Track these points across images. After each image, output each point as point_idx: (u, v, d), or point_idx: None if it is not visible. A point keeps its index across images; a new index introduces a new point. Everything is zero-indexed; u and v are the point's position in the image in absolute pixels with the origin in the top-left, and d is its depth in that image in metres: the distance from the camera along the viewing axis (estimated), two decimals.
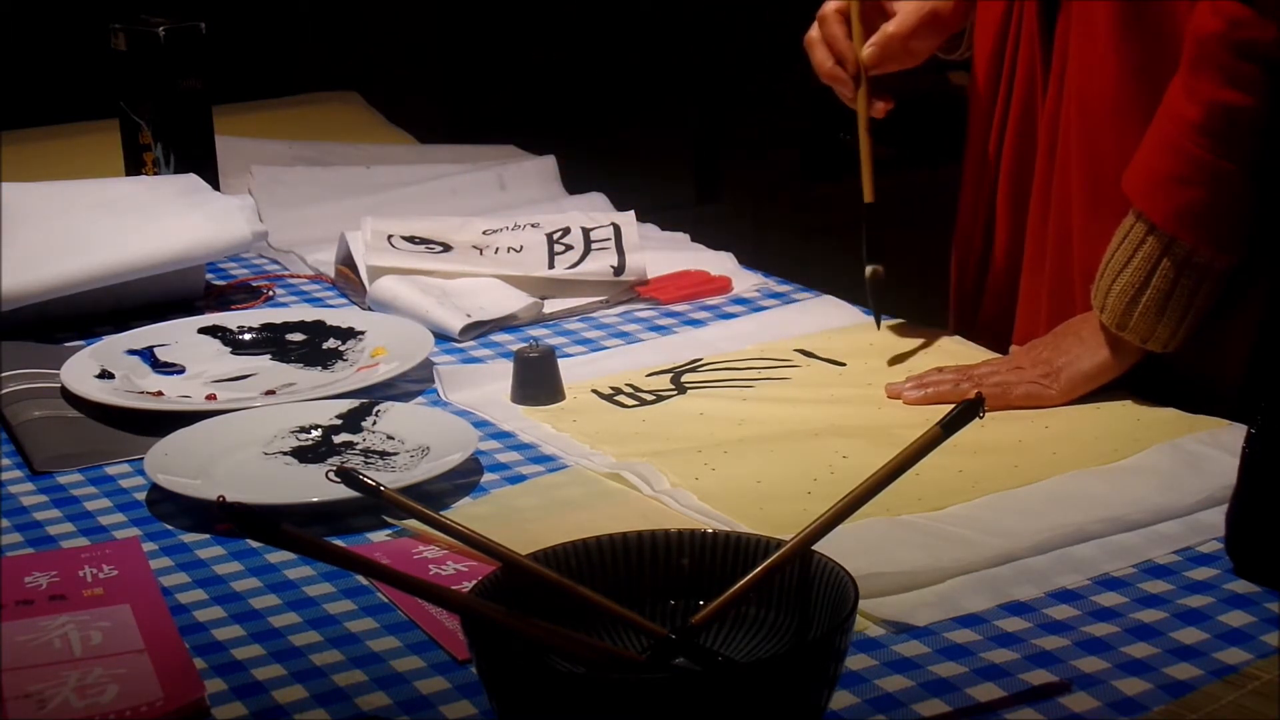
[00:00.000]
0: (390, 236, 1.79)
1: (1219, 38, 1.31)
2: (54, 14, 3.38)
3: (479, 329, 1.68)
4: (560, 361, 1.51)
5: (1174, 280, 1.37)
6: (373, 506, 1.25)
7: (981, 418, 1.01)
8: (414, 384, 1.54)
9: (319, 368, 1.59)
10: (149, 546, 1.24)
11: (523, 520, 1.25)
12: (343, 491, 1.12)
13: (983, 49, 1.59)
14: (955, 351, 1.56)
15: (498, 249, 1.80)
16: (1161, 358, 1.41)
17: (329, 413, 1.43)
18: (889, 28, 1.57)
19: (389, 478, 1.29)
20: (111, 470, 1.38)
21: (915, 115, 1.55)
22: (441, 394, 1.51)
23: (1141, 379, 1.43)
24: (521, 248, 1.80)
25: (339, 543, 1.02)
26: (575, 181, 2.16)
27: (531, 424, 1.44)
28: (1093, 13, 1.45)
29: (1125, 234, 1.39)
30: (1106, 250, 1.41)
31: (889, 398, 1.46)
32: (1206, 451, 1.29)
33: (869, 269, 1.56)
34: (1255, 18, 1.29)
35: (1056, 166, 1.51)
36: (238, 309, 1.77)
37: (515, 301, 1.71)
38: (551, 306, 1.74)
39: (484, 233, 1.83)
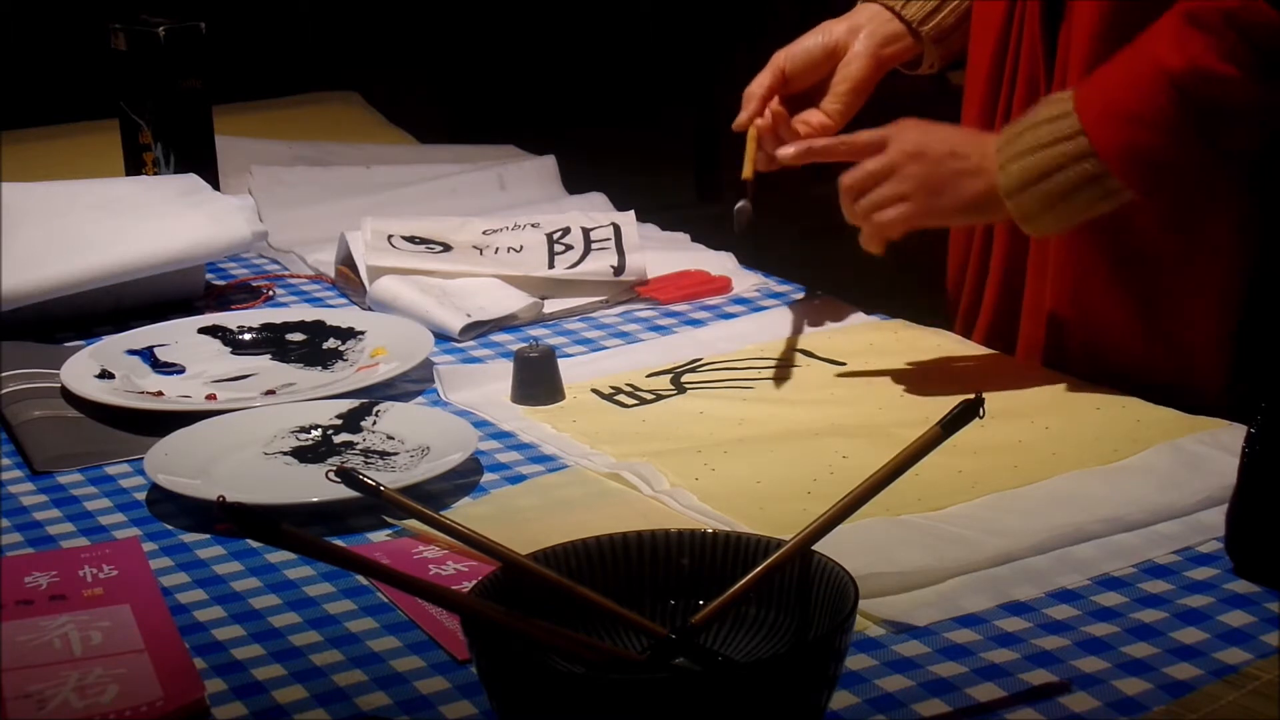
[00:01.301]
0: (390, 236, 1.79)
1: (1227, 10, 1.30)
2: (54, 14, 3.38)
3: (479, 329, 1.68)
4: (560, 361, 1.51)
5: (1077, 186, 1.38)
6: (373, 506, 1.25)
7: (981, 417, 1.01)
8: (414, 384, 1.54)
9: (319, 368, 1.59)
10: (149, 546, 1.24)
11: (523, 520, 1.25)
12: (343, 491, 1.12)
13: (981, 52, 1.58)
14: (955, 350, 1.55)
15: (498, 249, 1.80)
16: (1150, 369, 1.42)
17: (329, 413, 1.43)
18: (820, 120, 1.61)
19: (389, 478, 1.29)
20: (111, 470, 1.38)
21: (916, 115, 1.56)
22: (441, 394, 1.51)
23: (1142, 379, 1.43)
24: (521, 248, 1.80)
25: (339, 543, 1.02)
26: (575, 181, 2.16)
27: (531, 424, 1.44)
28: (1096, 17, 1.44)
29: (1056, 116, 1.39)
30: (1032, 110, 1.41)
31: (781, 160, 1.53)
32: (1206, 451, 1.29)
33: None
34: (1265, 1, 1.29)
35: None
36: (238, 309, 1.77)
37: (515, 301, 1.71)
38: (551, 306, 1.74)
39: (484, 233, 1.83)
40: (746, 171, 1.62)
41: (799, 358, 1.57)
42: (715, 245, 1.92)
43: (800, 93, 1.64)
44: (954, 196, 1.43)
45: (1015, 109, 1.55)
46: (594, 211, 1.92)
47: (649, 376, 1.53)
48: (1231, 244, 1.45)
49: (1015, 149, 1.40)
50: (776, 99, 1.62)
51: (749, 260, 1.87)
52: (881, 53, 1.63)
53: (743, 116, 1.63)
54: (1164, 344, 1.48)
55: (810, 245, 3.65)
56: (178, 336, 1.64)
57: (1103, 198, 1.38)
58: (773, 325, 1.67)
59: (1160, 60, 1.34)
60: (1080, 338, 1.52)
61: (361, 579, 1.17)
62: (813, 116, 1.63)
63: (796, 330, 1.64)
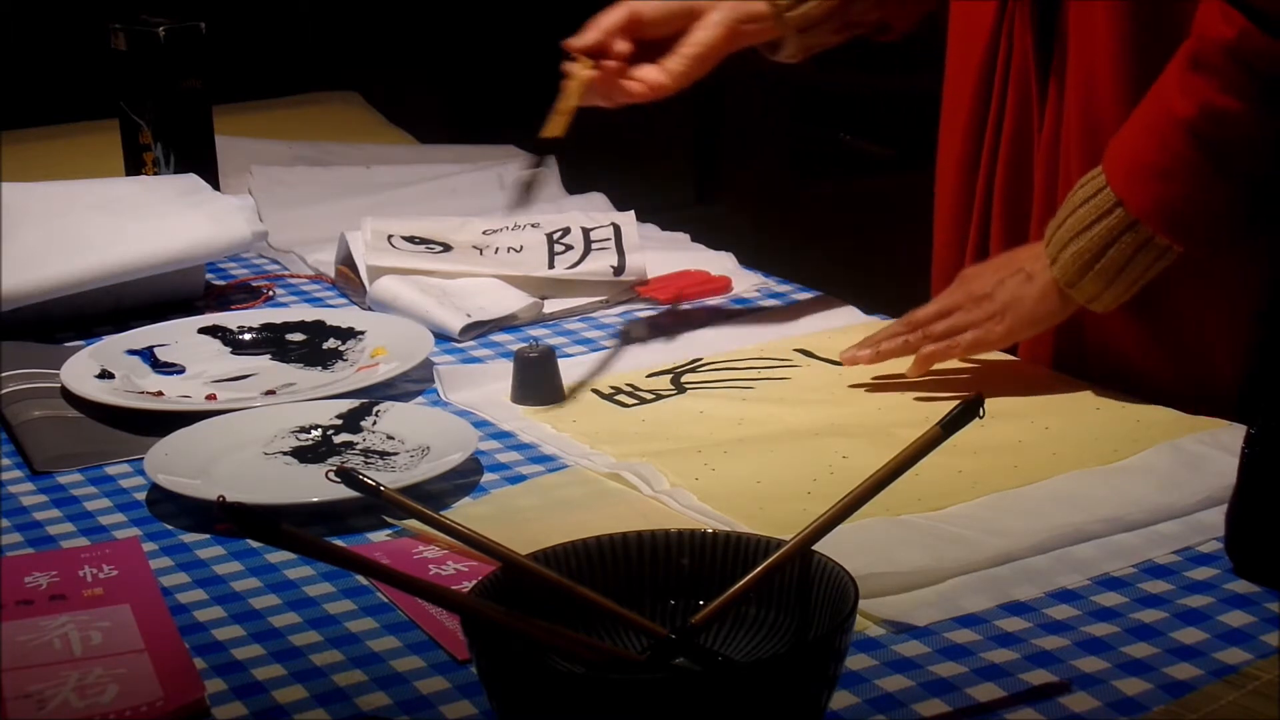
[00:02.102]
0: (390, 236, 1.79)
1: (1226, 45, 1.30)
2: (54, 14, 3.38)
3: (479, 329, 1.68)
4: (560, 361, 1.51)
5: (1131, 256, 1.38)
6: (373, 506, 1.25)
7: (981, 417, 1.01)
8: (414, 384, 1.54)
9: (319, 368, 1.59)
10: (149, 546, 1.24)
11: (523, 520, 1.25)
12: (343, 491, 1.12)
13: (964, 68, 1.56)
14: None
15: (498, 249, 1.80)
16: (1159, 362, 1.41)
17: (329, 413, 1.43)
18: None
19: (389, 478, 1.29)
20: (111, 470, 1.38)
21: (913, 116, 1.55)
22: (441, 394, 1.51)
23: (1141, 379, 1.43)
24: (521, 248, 1.80)
25: (339, 543, 1.02)
26: (575, 181, 2.16)
27: (531, 424, 1.44)
28: (1096, 38, 1.43)
29: (1091, 195, 1.38)
30: (1068, 197, 1.40)
31: (845, 365, 1.47)
32: (1206, 451, 1.29)
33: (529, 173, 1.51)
34: (1261, 31, 1.29)
35: (1061, 187, 1.48)
36: (238, 309, 1.77)
37: (515, 301, 1.71)
38: (551, 306, 1.74)
39: (484, 233, 1.83)
40: (557, 128, 1.54)
41: (799, 358, 1.57)
42: (715, 245, 1.92)
43: (646, 41, 1.59)
44: (1019, 311, 1.43)
45: (1007, 130, 1.52)
46: (594, 211, 1.92)
47: (649, 376, 1.53)
48: (1244, 251, 1.44)
49: (1061, 239, 1.40)
50: (622, 42, 1.57)
51: (749, 260, 1.87)
52: (740, 28, 1.59)
53: (578, 42, 1.57)
54: (1168, 346, 1.47)
55: (810, 245, 3.65)
56: (178, 336, 1.64)
57: (1158, 258, 1.38)
58: (773, 325, 1.67)
59: (1172, 110, 1.34)
60: (1083, 340, 1.51)
61: (361, 579, 1.17)
62: (649, 74, 1.59)
63: (796, 330, 1.64)
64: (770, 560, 0.99)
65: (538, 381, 1.49)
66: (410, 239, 1.80)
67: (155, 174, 2.03)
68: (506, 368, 1.51)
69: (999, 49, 1.53)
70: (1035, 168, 1.51)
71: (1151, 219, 1.36)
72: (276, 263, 1.93)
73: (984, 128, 1.56)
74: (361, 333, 1.64)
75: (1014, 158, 1.54)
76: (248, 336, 1.66)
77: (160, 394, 1.52)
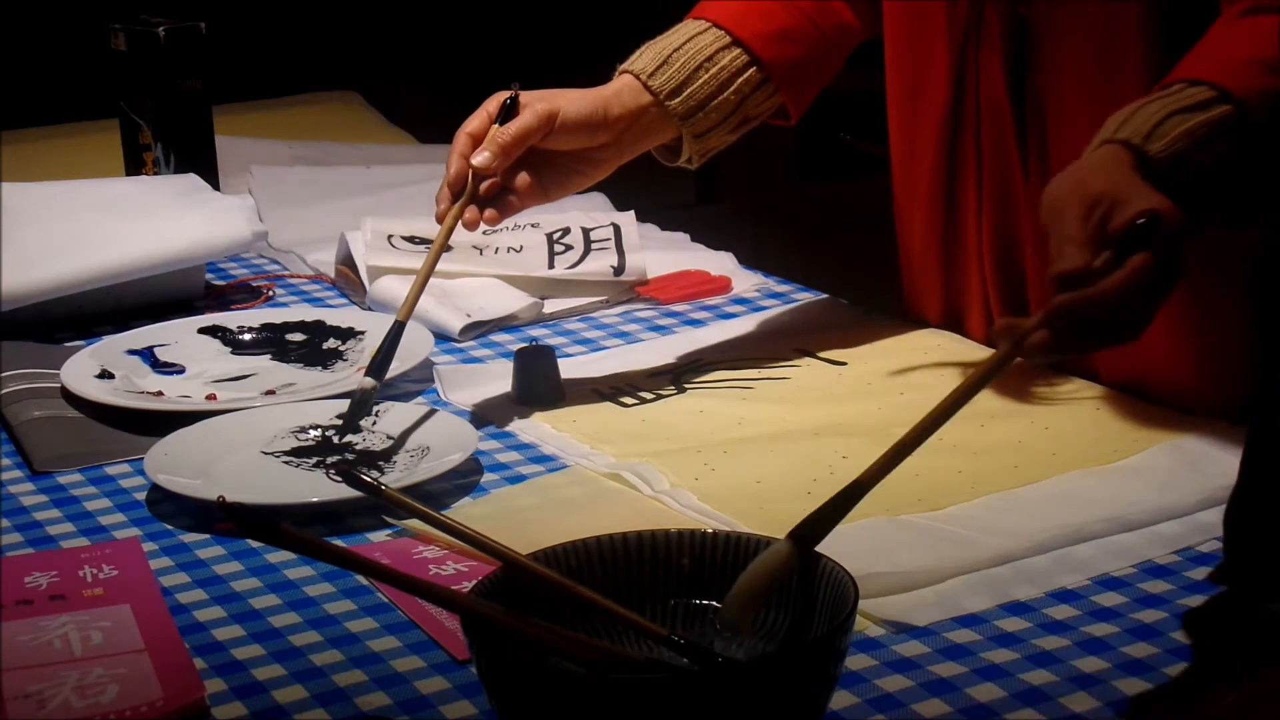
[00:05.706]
0: (390, 236, 1.79)
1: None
2: (54, 14, 3.38)
3: (479, 329, 1.68)
4: (560, 361, 1.51)
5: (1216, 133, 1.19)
6: (373, 506, 1.26)
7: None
8: (414, 384, 1.54)
9: (319, 368, 1.59)
10: (149, 546, 1.24)
11: (523, 520, 1.25)
12: (343, 491, 1.12)
13: (919, 124, 1.52)
14: (954, 350, 1.55)
15: (498, 249, 1.80)
16: (1163, 361, 1.40)
17: (329, 413, 1.43)
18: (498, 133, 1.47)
19: (389, 478, 1.29)
20: (111, 470, 1.38)
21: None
22: (441, 394, 1.51)
23: (1142, 379, 1.43)
24: (521, 248, 1.80)
25: (339, 543, 1.02)
26: None
27: (531, 424, 1.44)
28: (1067, 88, 1.39)
29: (1178, 90, 1.20)
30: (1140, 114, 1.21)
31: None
32: (1206, 451, 1.29)
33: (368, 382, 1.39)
34: None
35: None
36: (238, 309, 1.77)
37: (515, 301, 1.71)
38: (551, 306, 1.74)
39: (484, 232, 1.83)
40: (403, 311, 1.42)
41: (799, 358, 1.57)
42: (715, 245, 1.92)
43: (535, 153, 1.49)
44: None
45: (986, 183, 1.49)
46: (594, 211, 1.92)
47: (649, 376, 1.54)
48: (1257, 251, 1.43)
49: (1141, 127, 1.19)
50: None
51: (749, 260, 1.87)
52: (610, 111, 1.48)
53: (481, 160, 1.46)
54: (1169, 350, 1.46)
55: (810, 245, 3.65)
56: (178, 336, 1.64)
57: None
58: (773, 325, 1.67)
59: (1234, 56, 1.21)
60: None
61: (361, 579, 1.17)
62: (525, 191, 1.49)
63: (796, 330, 1.64)
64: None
65: (538, 381, 1.49)
66: (410, 239, 1.80)
67: (155, 174, 2.03)
68: (506, 368, 1.51)
69: (964, 106, 1.49)
70: (1021, 215, 1.48)
71: (1254, 101, 1.19)
72: (276, 263, 1.93)
73: (953, 182, 1.52)
74: (361, 333, 1.64)
75: (998, 208, 1.49)
76: (248, 336, 1.66)
77: (160, 394, 1.52)
